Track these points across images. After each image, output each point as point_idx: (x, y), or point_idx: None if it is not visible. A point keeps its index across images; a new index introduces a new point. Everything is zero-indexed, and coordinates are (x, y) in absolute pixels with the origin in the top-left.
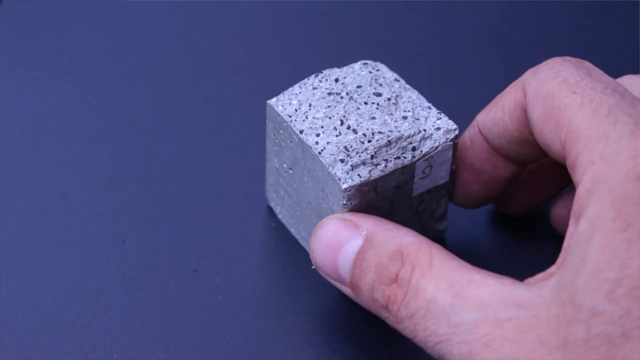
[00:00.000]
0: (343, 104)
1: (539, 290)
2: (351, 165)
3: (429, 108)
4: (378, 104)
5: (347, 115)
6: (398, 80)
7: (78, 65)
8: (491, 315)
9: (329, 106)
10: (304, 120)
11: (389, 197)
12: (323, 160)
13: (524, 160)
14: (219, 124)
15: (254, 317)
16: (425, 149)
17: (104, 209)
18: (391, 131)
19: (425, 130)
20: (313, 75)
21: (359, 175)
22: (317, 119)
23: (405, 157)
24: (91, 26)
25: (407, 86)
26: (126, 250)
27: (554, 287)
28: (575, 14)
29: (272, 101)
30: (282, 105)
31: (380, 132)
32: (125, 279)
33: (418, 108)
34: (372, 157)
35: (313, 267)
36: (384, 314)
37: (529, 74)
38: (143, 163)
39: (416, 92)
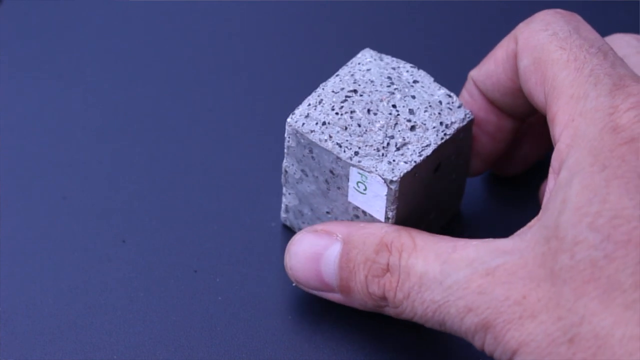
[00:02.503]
0: (384, 92)
1: (523, 236)
2: (308, 113)
3: (419, 155)
4: (397, 113)
5: (366, 94)
6: (447, 126)
7: (78, 65)
8: (480, 268)
9: (372, 80)
10: (351, 74)
11: (325, 175)
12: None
13: (518, 113)
14: (217, 123)
15: (254, 317)
16: (360, 162)
17: (104, 209)
18: (359, 126)
19: (384, 154)
20: (411, 65)
21: (303, 124)
22: (355, 78)
23: (342, 150)
24: (91, 26)
25: (444, 137)
26: (126, 250)
27: (537, 230)
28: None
29: (368, 50)
30: (363, 53)
31: (356, 117)
32: (125, 279)
33: (413, 147)
34: (323, 123)
35: (294, 284)
36: (382, 304)
37: (521, 25)
38: (143, 163)
39: (437, 141)
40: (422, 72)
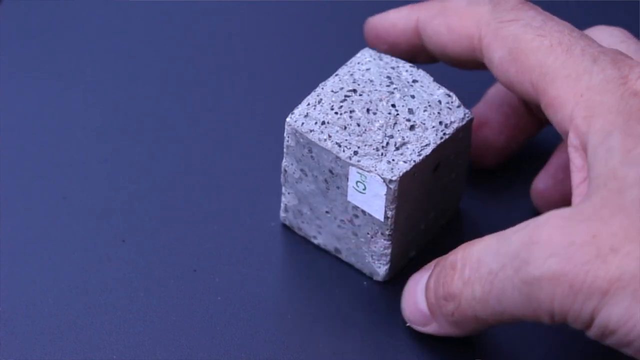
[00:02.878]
0: (383, 90)
1: (573, 202)
2: (307, 113)
3: (418, 155)
4: (397, 112)
5: (365, 94)
6: (446, 126)
7: (78, 65)
8: (531, 225)
9: (371, 80)
10: (350, 73)
11: (324, 175)
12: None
13: (447, 62)
14: (217, 123)
15: (253, 317)
16: (360, 161)
17: (104, 209)
18: (358, 125)
19: (383, 154)
20: (411, 65)
21: (302, 124)
22: (354, 78)
23: (342, 150)
24: (91, 26)
25: (444, 136)
26: (126, 250)
27: (587, 185)
28: (575, 14)
29: (367, 49)
30: (363, 53)
31: (355, 117)
32: (125, 279)
33: (412, 147)
34: (322, 123)
35: (407, 324)
36: (449, 308)
37: (485, 10)
38: (143, 163)
39: (436, 141)
40: (421, 72)
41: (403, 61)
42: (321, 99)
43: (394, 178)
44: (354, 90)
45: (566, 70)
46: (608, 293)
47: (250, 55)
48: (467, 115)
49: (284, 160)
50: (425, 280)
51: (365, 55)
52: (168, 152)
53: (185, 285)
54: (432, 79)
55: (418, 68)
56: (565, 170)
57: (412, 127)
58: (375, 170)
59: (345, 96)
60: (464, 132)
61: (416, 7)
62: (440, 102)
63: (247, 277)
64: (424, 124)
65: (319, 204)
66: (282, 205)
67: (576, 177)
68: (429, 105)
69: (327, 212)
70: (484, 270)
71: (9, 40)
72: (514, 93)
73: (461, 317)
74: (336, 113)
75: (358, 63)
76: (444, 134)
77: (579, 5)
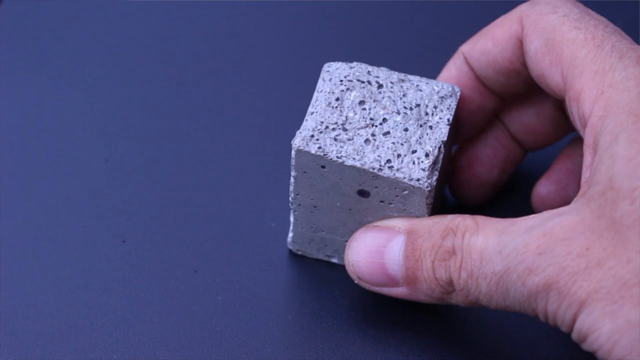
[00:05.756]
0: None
1: (577, 199)
2: (337, 67)
3: (336, 157)
4: (378, 125)
5: (382, 95)
6: (390, 168)
7: (78, 65)
8: (537, 231)
9: (404, 94)
10: (402, 79)
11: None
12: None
13: (506, 92)
14: (217, 123)
15: (254, 317)
16: (307, 120)
17: (104, 209)
18: (337, 100)
19: (320, 131)
20: (451, 119)
21: (327, 71)
22: (400, 84)
23: (313, 106)
24: (91, 26)
25: (373, 171)
26: (126, 250)
27: (589, 190)
28: None
29: (451, 85)
30: (441, 82)
31: (345, 97)
32: (125, 279)
33: (342, 149)
34: (330, 79)
35: (356, 281)
36: (449, 290)
37: (525, 7)
38: (143, 163)
39: (363, 165)
40: (446, 130)
41: (452, 113)
42: (352, 67)
43: (293, 145)
44: (380, 86)
45: (594, 66)
46: (585, 303)
47: (249, 55)
48: (420, 182)
49: None
50: (396, 245)
51: (438, 86)
52: (168, 152)
53: (185, 286)
54: (445, 140)
55: (449, 125)
56: (569, 175)
57: (366, 141)
58: (300, 133)
59: (367, 81)
60: (414, 194)
61: (459, 49)
62: (415, 152)
63: (247, 277)
64: (377, 149)
65: None
66: None
67: (585, 175)
68: (402, 145)
69: None
70: (487, 269)
71: (9, 40)
72: (544, 87)
73: (464, 302)
74: (341, 82)
75: (426, 83)
76: (379, 170)
77: None
